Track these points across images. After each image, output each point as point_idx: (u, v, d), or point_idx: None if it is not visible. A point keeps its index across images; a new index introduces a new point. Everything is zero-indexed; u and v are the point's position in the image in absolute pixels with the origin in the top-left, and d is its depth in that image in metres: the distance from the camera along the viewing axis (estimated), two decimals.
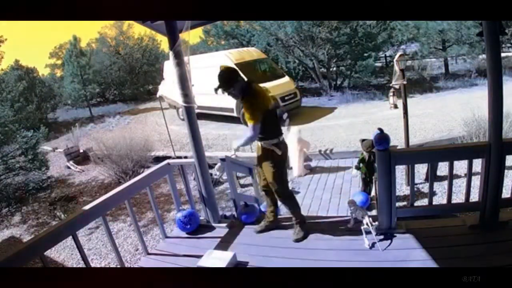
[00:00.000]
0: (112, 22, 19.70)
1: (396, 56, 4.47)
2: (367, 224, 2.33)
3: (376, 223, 2.41)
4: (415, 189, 4.29)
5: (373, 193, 4.27)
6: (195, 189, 3.29)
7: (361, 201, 4.23)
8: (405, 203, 3.78)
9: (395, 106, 5.00)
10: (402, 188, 4.52)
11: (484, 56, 10.15)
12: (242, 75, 2.55)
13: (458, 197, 3.87)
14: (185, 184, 3.12)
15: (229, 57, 9.81)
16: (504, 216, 2.31)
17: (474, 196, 2.40)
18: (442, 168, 4.74)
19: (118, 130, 12.02)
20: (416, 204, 2.96)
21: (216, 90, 2.39)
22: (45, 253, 2.04)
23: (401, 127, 4.85)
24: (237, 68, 2.76)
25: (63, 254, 4.45)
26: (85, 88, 17.18)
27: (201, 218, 3.17)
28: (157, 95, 7.66)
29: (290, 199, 2.65)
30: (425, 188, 4.48)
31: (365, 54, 12.10)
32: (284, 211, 4.59)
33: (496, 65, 2.05)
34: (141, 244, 2.81)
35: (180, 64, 2.64)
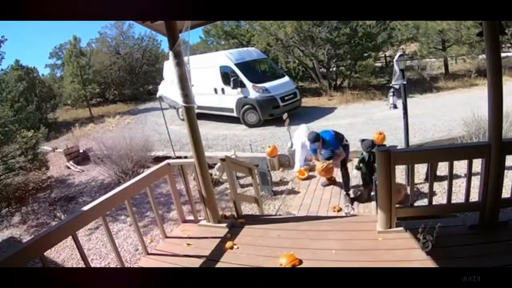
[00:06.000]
0: (112, 22, 19.72)
1: (396, 56, 4.47)
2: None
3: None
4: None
5: (373, 193, 4.28)
6: (195, 189, 3.29)
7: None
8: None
9: (395, 106, 4.99)
10: None
11: (484, 56, 10.14)
12: None
13: (458, 197, 3.87)
14: (185, 184, 3.12)
15: (229, 57, 9.81)
16: (504, 216, 2.31)
17: (474, 196, 2.40)
18: (442, 168, 4.74)
19: (118, 130, 12.03)
20: (416, 204, 2.96)
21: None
22: (45, 253, 2.04)
23: (401, 127, 4.85)
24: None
25: (63, 254, 4.45)
26: (85, 88, 17.18)
27: (201, 218, 3.18)
28: (157, 95, 7.66)
29: None
30: (425, 188, 4.48)
31: (365, 54, 12.11)
32: (284, 210, 4.60)
33: (496, 65, 2.05)
34: (141, 244, 2.80)
35: (180, 64, 2.63)
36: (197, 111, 2.96)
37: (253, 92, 9.20)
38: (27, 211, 6.25)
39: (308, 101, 11.82)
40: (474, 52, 11.79)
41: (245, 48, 11.89)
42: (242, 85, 9.33)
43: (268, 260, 2.37)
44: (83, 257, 2.24)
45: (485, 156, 2.18)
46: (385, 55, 16.20)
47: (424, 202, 3.97)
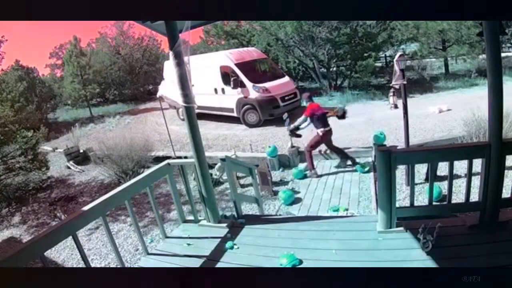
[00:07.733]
0: (112, 22, 19.73)
1: (396, 56, 4.46)
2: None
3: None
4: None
5: (372, 192, 4.28)
6: (195, 189, 3.29)
7: None
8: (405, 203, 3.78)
9: (395, 106, 5.01)
10: (402, 188, 4.51)
11: (484, 56, 10.15)
12: None
13: (458, 197, 3.87)
14: (185, 184, 3.12)
15: (229, 57, 9.81)
16: (504, 216, 2.31)
17: (474, 196, 2.40)
18: (442, 168, 4.74)
19: (118, 130, 12.03)
20: (416, 204, 2.96)
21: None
22: (45, 253, 2.04)
23: (401, 127, 4.85)
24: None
25: (63, 254, 4.45)
26: (85, 88, 17.18)
27: (201, 218, 3.18)
28: (157, 95, 7.68)
29: None
30: (425, 188, 4.47)
31: (365, 54, 12.09)
32: (284, 210, 4.61)
33: (496, 65, 2.05)
34: (141, 244, 2.81)
35: (180, 64, 2.63)
36: (197, 111, 2.97)
37: (253, 92, 9.21)
38: (27, 211, 6.25)
39: None
40: (474, 52, 11.78)
41: (245, 48, 11.88)
42: (242, 85, 9.33)
43: (268, 260, 2.37)
44: (83, 257, 2.24)
45: (485, 156, 2.18)
46: (385, 55, 16.18)
47: (424, 202, 3.96)
